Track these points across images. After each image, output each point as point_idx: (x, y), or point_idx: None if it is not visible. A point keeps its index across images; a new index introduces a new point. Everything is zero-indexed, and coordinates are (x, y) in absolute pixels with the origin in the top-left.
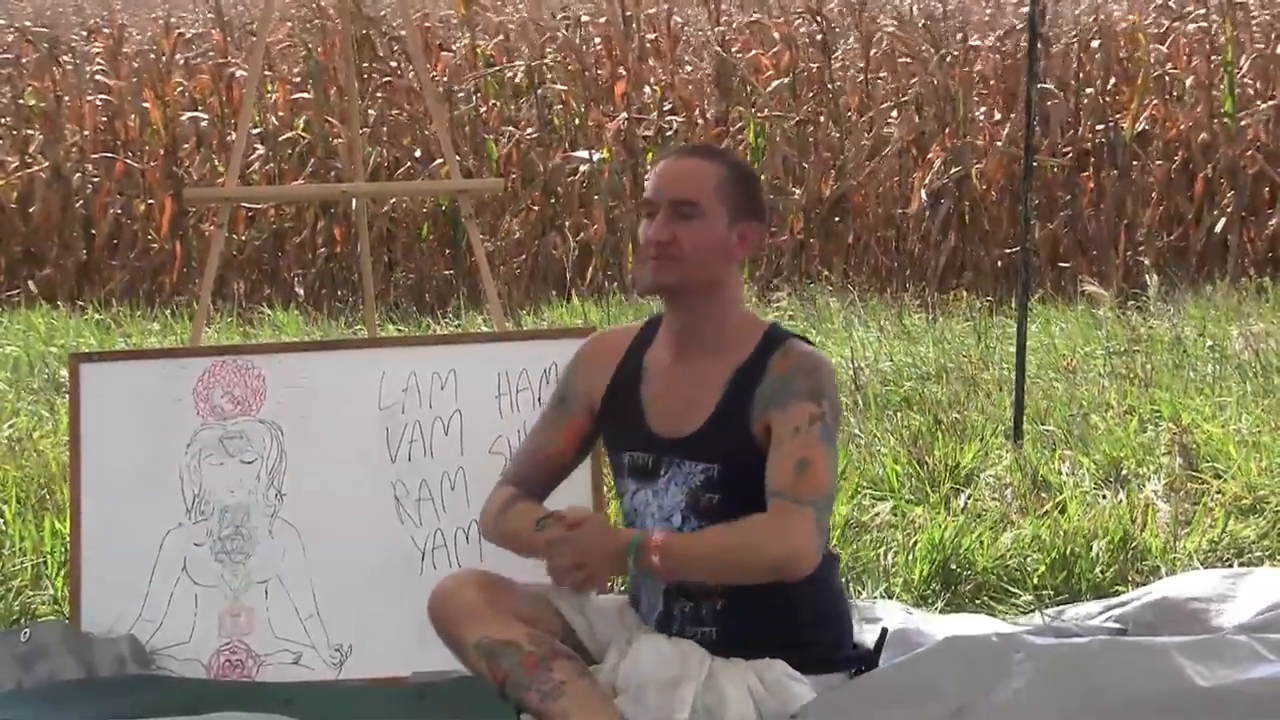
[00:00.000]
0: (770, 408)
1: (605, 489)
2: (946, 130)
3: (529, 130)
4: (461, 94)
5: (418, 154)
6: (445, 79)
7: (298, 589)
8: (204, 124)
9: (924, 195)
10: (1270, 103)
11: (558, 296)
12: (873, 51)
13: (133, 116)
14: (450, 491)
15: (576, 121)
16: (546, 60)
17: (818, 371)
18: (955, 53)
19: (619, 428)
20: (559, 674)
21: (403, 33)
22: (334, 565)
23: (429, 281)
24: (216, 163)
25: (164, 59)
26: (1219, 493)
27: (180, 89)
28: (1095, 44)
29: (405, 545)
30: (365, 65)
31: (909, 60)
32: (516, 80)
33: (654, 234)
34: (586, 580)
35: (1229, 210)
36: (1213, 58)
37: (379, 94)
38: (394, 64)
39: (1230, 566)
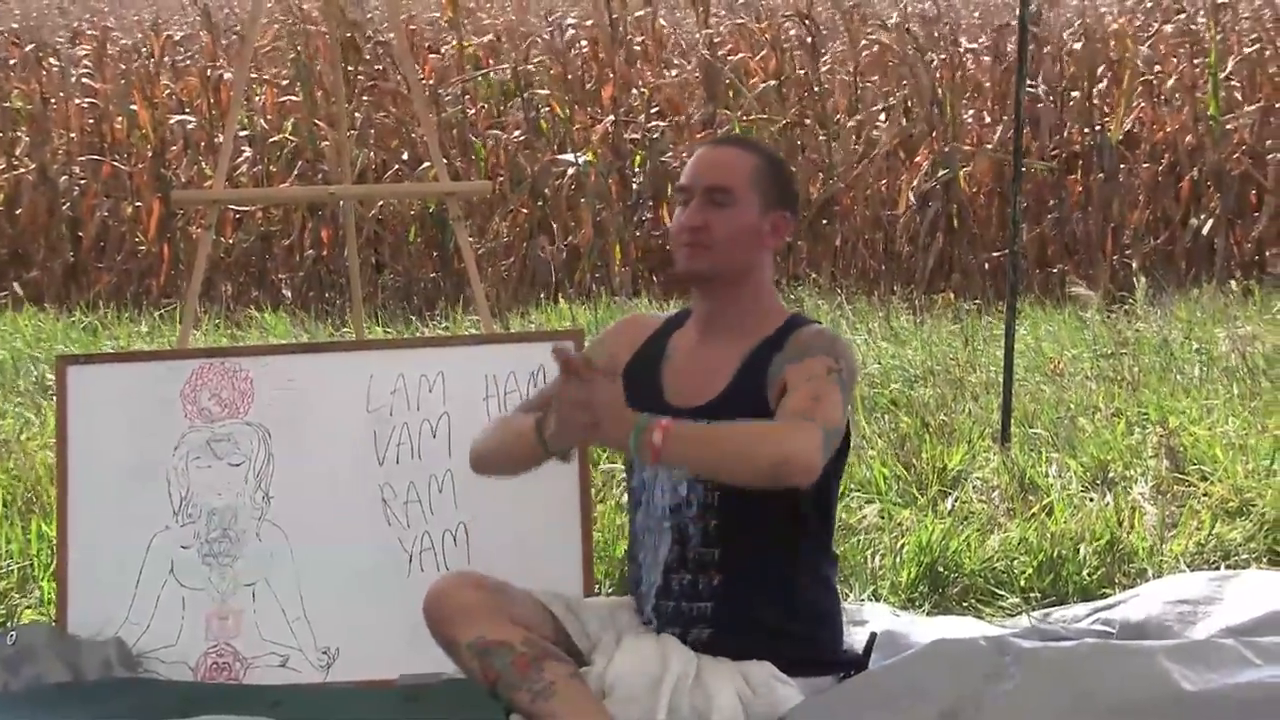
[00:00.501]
0: (786, 365)
1: (592, 492)
2: (935, 133)
3: (516, 133)
4: (449, 97)
5: (405, 156)
6: (432, 82)
7: (285, 591)
8: (191, 126)
9: (912, 198)
10: (1256, 105)
11: (545, 299)
12: (862, 55)
13: (120, 119)
14: (438, 494)
15: (563, 124)
16: (533, 63)
17: (836, 341)
18: (944, 56)
19: (636, 402)
20: (550, 675)
21: (389, 35)
22: (321, 568)
23: (417, 284)
24: (204, 165)
25: (151, 61)
26: (1205, 495)
27: (168, 91)
28: (1082, 47)
29: (393, 548)
30: (352, 68)
31: (898, 63)
32: (504, 83)
33: (688, 219)
34: (585, 427)
35: (1215, 213)
36: (1198, 60)
37: (366, 97)
38: (381, 67)
39: (1217, 569)
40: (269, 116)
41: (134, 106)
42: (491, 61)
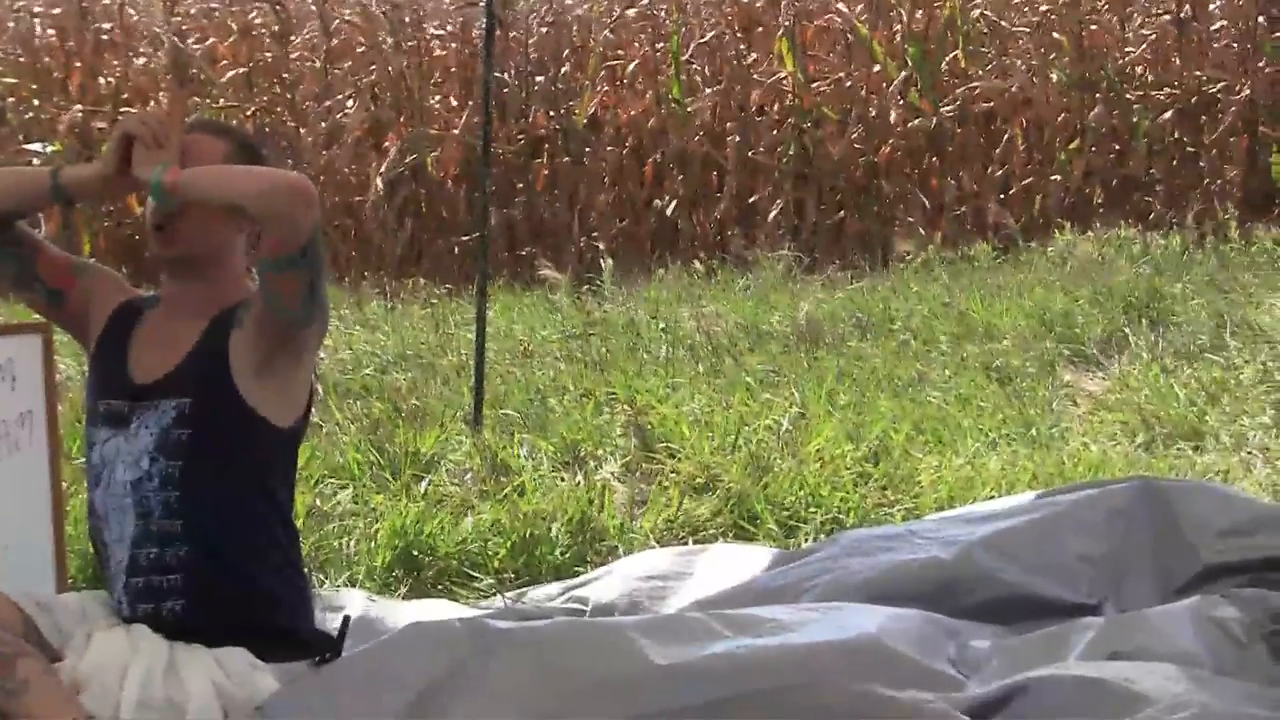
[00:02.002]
0: (244, 311)
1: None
2: (402, 118)
3: None
4: None
5: None
6: None
7: None
8: None
9: (381, 183)
10: (716, 89)
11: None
12: (331, 41)
13: None
14: None
15: (29, 114)
16: None
17: None
18: (412, 41)
19: (101, 372)
20: (23, 672)
21: None
22: None
23: None
24: None
25: None
26: (674, 472)
27: None
28: (548, 32)
29: None
30: None
31: (366, 49)
32: None
33: (159, 205)
34: (155, 144)
35: (678, 195)
36: (660, 45)
37: None
38: None
39: (686, 544)
40: None
41: None
42: None
